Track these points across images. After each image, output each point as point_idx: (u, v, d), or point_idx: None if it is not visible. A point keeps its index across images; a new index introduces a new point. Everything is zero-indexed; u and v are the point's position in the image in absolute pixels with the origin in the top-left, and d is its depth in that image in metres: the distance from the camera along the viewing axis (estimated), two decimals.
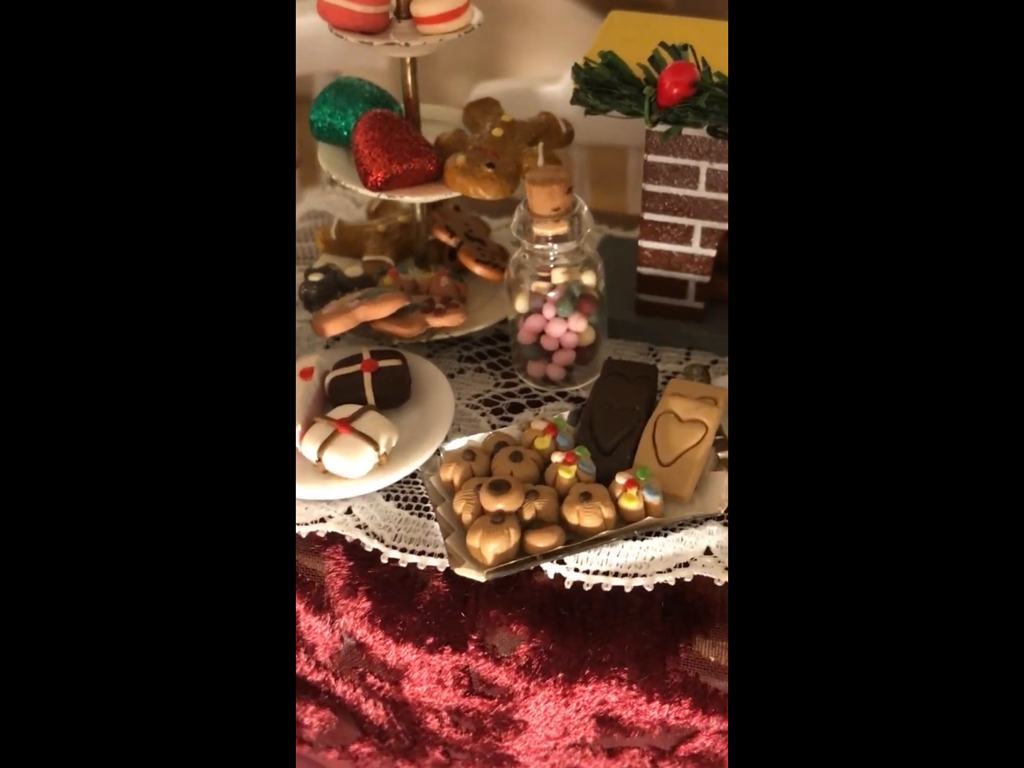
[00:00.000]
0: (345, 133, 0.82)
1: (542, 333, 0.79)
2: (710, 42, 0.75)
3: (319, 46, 1.12)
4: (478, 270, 0.83)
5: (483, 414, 0.80)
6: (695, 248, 0.81)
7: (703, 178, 0.77)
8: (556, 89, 1.09)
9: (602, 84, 0.71)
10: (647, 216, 0.80)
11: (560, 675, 0.65)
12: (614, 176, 1.27)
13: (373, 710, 0.72)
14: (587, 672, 0.64)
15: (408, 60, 0.78)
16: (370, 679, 0.70)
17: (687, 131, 0.74)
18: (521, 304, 0.78)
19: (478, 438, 0.74)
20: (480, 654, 0.66)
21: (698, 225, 0.79)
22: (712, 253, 0.80)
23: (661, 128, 0.73)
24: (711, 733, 0.65)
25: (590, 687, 0.64)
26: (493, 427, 0.77)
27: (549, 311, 0.77)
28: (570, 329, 0.78)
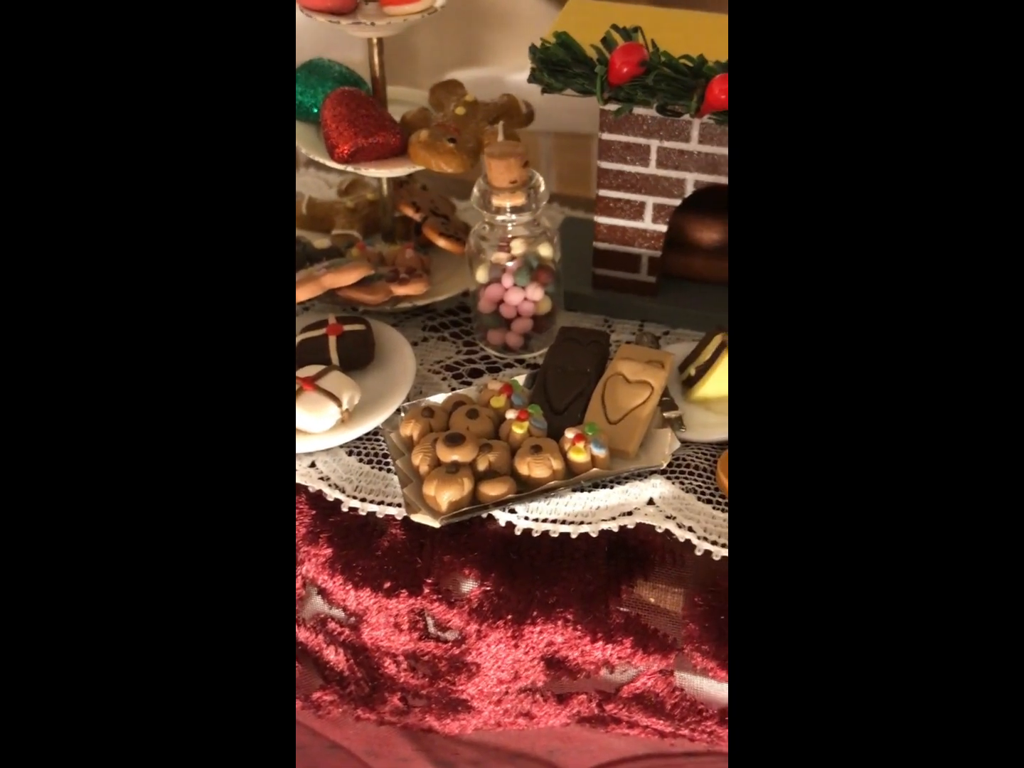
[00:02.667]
0: (315, 111, 0.86)
1: (501, 302, 0.83)
2: (664, 28, 0.80)
3: (297, 38, 1.16)
4: (442, 243, 0.87)
5: (444, 379, 0.84)
6: (647, 224, 0.85)
7: (654, 156, 0.81)
8: (522, 77, 1.13)
9: (556, 63, 0.75)
10: (602, 192, 0.84)
11: (509, 616, 0.68)
12: (579, 163, 1.32)
13: (334, 656, 0.75)
14: (535, 614, 0.68)
15: (375, 41, 0.82)
16: (331, 625, 0.73)
17: (638, 110, 0.78)
18: (481, 275, 0.82)
19: (438, 398, 0.78)
20: (435, 597, 0.69)
21: (649, 201, 0.83)
22: (663, 228, 0.85)
23: (613, 106, 0.77)
24: (651, 673, 0.68)
25: (538, 628, 0.68)
26: (453, 390, 0.81)
27: (507, 281, 0.81)
28: (527, 298, 0.82)
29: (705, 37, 0.80)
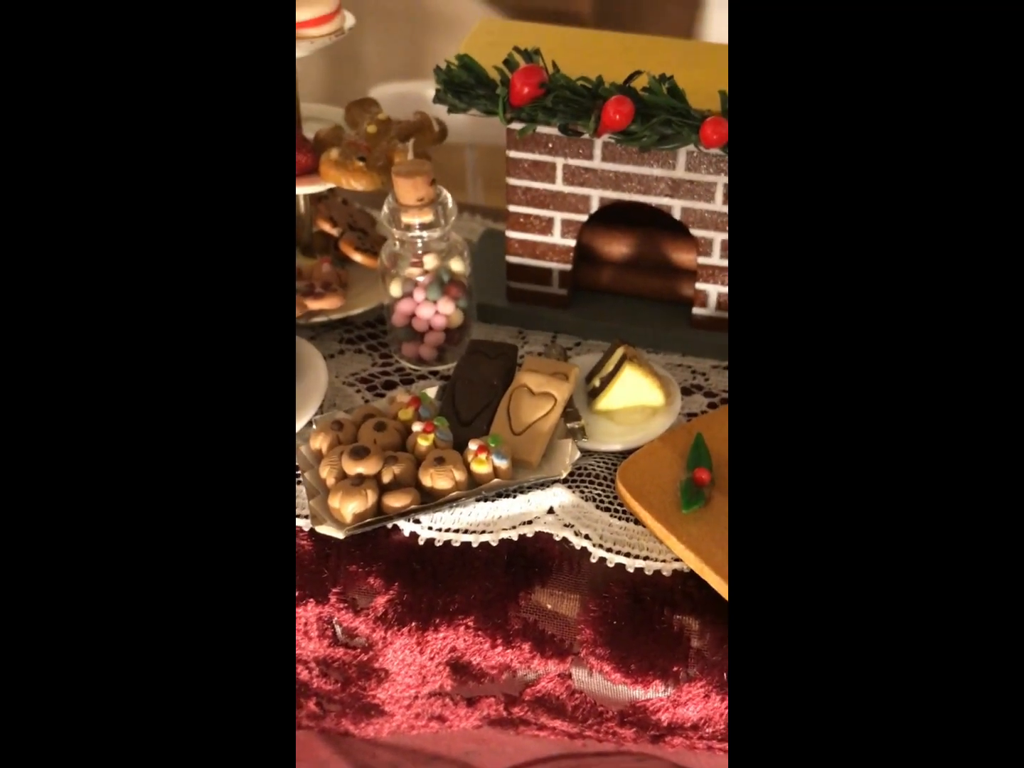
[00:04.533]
0: None
1: (413, 315, 0.85)
2: (572, 49, 0.83)
3: None
4: (357, 257, 0.88)
5: (359, 391, 0.86)
6: (556, 238, 0.87)
7: (560, 173, 0.83)
8: None
9: (460, 85, 0.78)
10: (512, 208, 0.87)
11: (413, 624, 0.70)
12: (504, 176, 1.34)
13: None
14: (437, 621, 0.70)
15: None
16: None
17: (543, 129, 0.81)
18: (395, 289, 0.84)
19: (349, 411, 0.80)
20: (341, 606, 0.71)
21: (558, 216, 0.86)
22: (572, 243, 0.87)
23: (516, 126, 0.79)
24: (551, 676, 0.71)
25: (441, 634, 0.70)
26: (367, 403, 0.83)
27: (419, 295, 0.83)
28: (439, 312, 0.84)
29: (604, 56, 0.82)
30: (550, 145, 0.82)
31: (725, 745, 0.72)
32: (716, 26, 2.06)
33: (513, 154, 0.83)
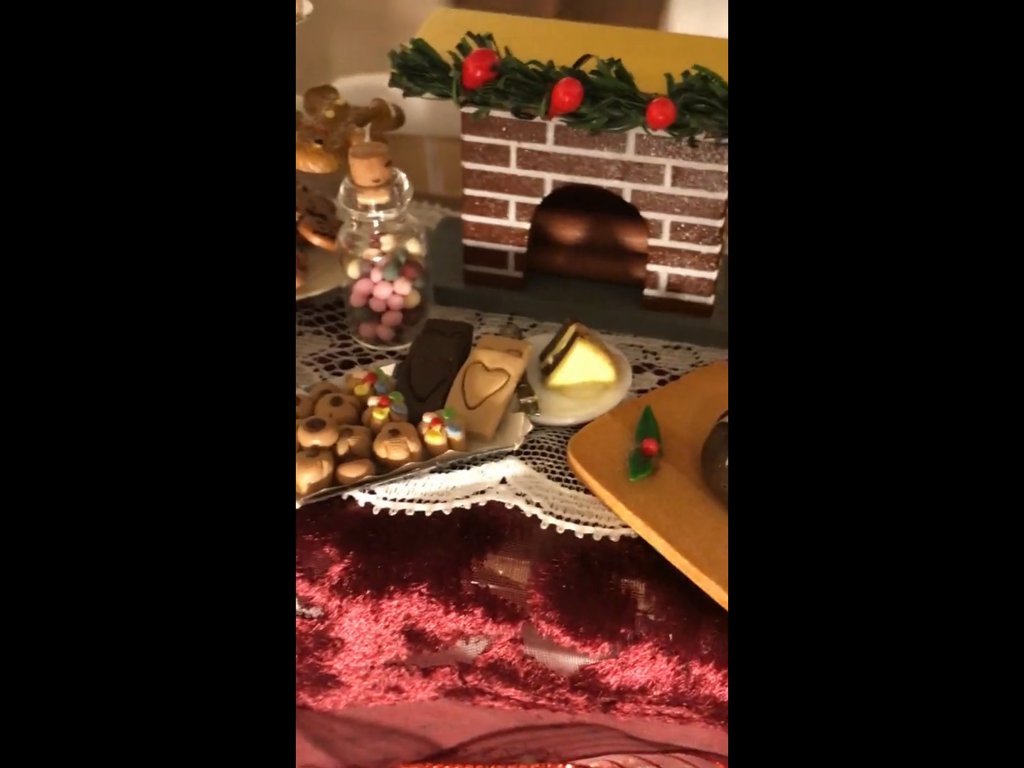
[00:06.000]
0: None
1: (371, 296, 0.86)
2: (525, 37, 0.85)
3: None
4: (316, 240, 0.90)
5: (317, 370, 0.87)
6: (511, 221, 0.89)
7: (514, 156, 0.85)
8: None
9: (414, 68, 0.80)
10: (468, 192, 0.89)
11: (368, 591, 0.72)
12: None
13: None
14: (392, 588, 0.72)
15: None
16: None
17: (496, 113, 0.83)
18: (352, 270, 0.86)
19: (307, 389, 0.81)
20: (298, 575, 0.73)
21: (512, 200, 0.88)
22: (527, 226, 0.89)
23: (470, 109, 0.81)
24: (503, 642, 0.72)
25: (395, 602, 0.72)
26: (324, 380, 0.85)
27: (376, 275, 0.85)
28: (396, 292, 0.86)
29: (557, 43, 0.84)
30: (504, 129, 0.84)
31: (674, 710, 0.74)
32: (680, 27, 2.09)
33: (468, 138, 0.85)
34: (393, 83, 0.81)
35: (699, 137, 0.79)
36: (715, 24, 2.03)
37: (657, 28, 2.06)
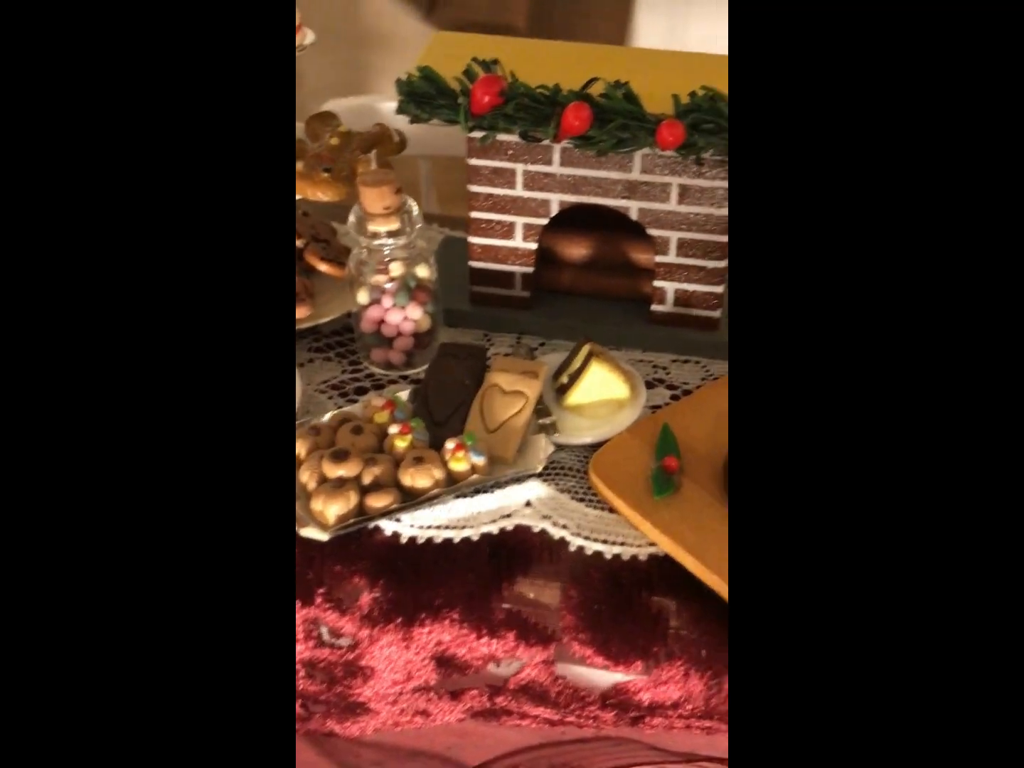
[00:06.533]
0: None
1: (382, 322, 0.87)
2: (527, 59, 0.85)
3: None
4: (323, 267, 0.90)
5: (330, 398, 0.87)
6: (518, 242, 0.90)
7: (520, 179, 0.86)
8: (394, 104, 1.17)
9: (422, 95, 0.80)
10: (474, 214, 0.89)
11: (399, 620, 0.72)
12: (459, 184, 1.36)
13: None
14: (423, 616, 0.72)
15: None
16: None
17: (502, 137, 0.83)
18: (362, 296, 0.86)
19: (324, 417, 0.82)
20: (327, 606, 0.73)
21: (519, 221, 0.88)
22: (533, 246, 0.90)
23: (477, 134, 0.82)
24: (535, 664, 0.73)
25: (426, 629, 0.72)
26: (340, 408, 0.85)
27: (387, 301, 0.85)
28: (407, 317, 0.86)
29: (559, 65, 0.85)
30: (510, 152, 0.85)
31: (704, 723, 0.75)
32: (644, 39, 2.11)
33: (474, 162, 0.86)
34: (401, 111, 0.81)
35: (705, 155, 0.80)
36: (678, 36, 2.06)
37: (624, 35, 2.08)
